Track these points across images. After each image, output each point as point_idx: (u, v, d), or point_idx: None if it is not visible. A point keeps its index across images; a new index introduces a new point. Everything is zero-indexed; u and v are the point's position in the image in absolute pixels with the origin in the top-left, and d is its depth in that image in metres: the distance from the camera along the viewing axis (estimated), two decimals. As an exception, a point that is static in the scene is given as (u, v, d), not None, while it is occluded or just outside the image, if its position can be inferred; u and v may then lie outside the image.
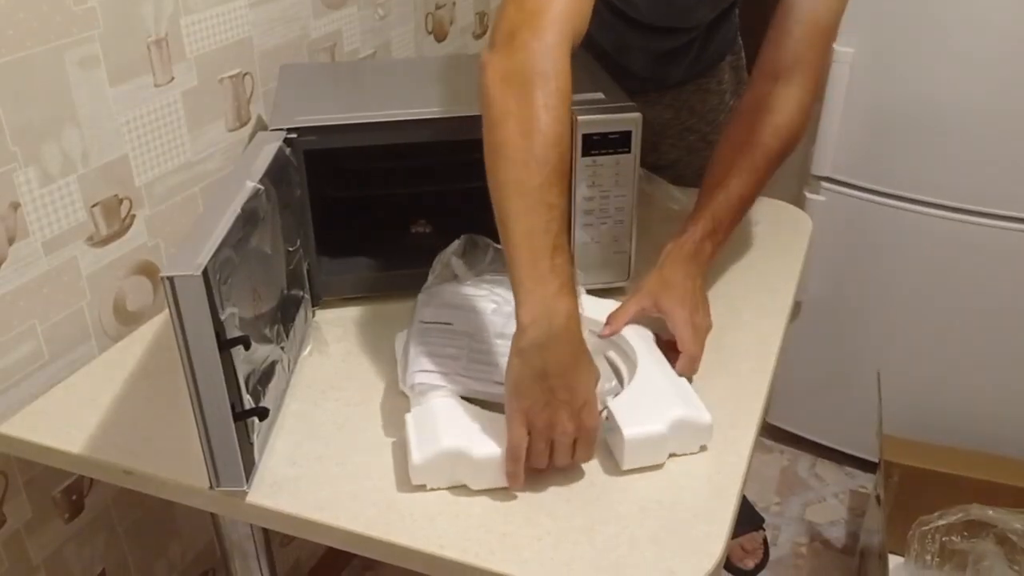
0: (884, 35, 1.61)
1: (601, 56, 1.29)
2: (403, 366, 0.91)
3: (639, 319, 0.98)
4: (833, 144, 1.72)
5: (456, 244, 1.04)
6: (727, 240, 1.04)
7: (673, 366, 0.92)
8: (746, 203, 1.05)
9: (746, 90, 1.08)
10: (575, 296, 0.78)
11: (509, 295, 0.98)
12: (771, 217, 1.31)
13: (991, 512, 1.47)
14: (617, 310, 0.99)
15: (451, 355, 0.90)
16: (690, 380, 0.92)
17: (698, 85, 1.35)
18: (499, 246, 1.00)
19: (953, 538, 1.49)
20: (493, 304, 0.99)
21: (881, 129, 1.67)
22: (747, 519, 1.78)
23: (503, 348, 0.90)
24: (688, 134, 1.38)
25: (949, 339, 1.75)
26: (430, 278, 1.03)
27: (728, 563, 1.75)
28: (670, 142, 1.40)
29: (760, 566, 1.76)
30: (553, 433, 0.77)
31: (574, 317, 0.77)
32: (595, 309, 1.01)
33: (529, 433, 0.77)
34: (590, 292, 1.06)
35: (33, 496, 1.04)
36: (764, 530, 1.79)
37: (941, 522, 1.49)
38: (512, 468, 0.78)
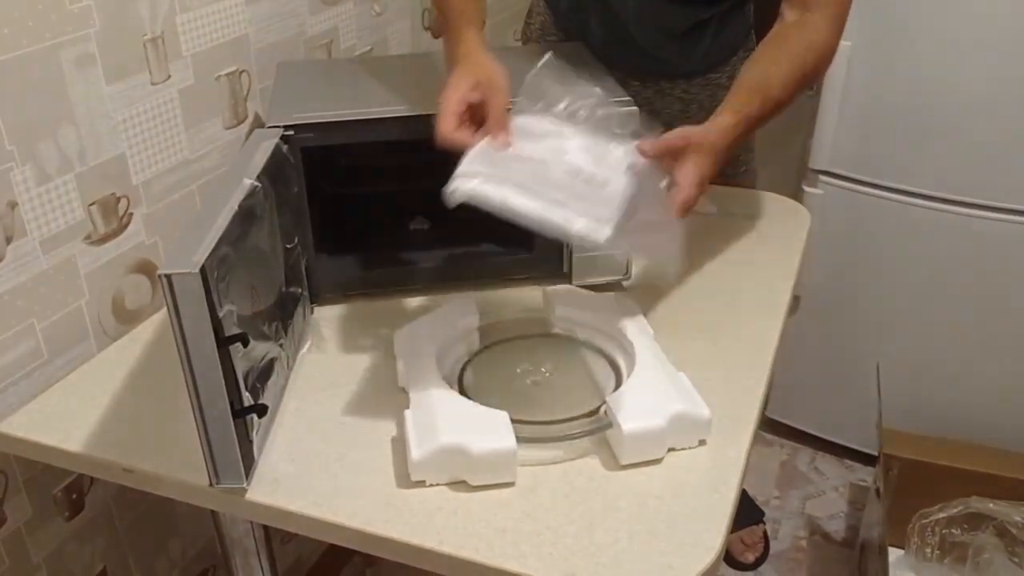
0: (881, 28, 1.60)
1: (616, 29, 1.28)
2: (470, 165, 0.83)
3: (664, 150, 0.92)
4: (831, 138, 1.72)
5: (545, 59, 0.93)
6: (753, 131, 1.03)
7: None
8: (779, 107, 1.03)
9: (776, 22, 1.09)
10: (471, 46, 0.97)
11: (583, 139, 0.91)
12: (769, 211, 1.31)
13: (991, 504, 1.47)
14: (651, 144, 0.92)
15: (511, 172, 0.83)
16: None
17: (708, 79, 1.35)
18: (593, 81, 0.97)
19: (953, 531, 1.50)
20: (573, 149, 0.89)
21: (879, 122, 1.67)
22: (747, 513, 1.78)
23: (564, 181, 0.85)
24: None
25: (948, 332, 1.76)
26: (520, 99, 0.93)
27: (728, 557, 1.75)
28: None
29: (760, 560, 1.76)
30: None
31: (462, 55, 0.96)
32: (587, 304, 1.01)
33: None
34: (587, 288, 1.06)
35: (33, 495, 1.04)
36: (764, 524, 1.80)
37: (941, 515, 1.49)
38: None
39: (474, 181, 0.80)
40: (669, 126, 1.37)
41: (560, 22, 1.38)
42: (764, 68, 1.04)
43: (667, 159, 0.94)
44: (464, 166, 0.82)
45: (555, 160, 0.87)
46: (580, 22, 1.34)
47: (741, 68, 1.07)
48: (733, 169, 1.41)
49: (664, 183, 0.91)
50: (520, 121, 0.92)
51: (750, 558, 1.76)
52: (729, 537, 1.64)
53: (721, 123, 0.98)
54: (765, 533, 1.80)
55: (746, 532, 1.77)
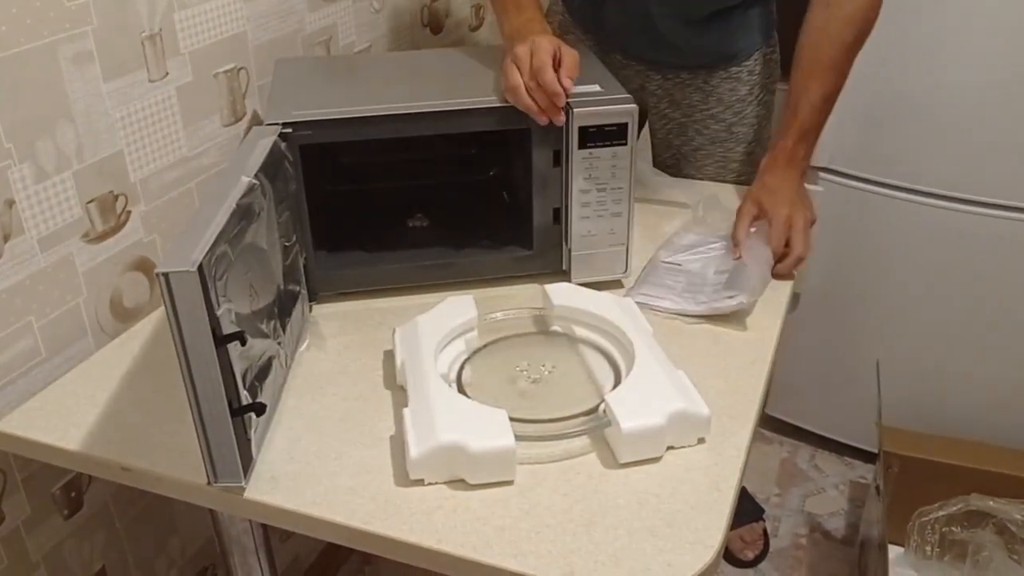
0: (881, 24, 1.60)
1: (634, 15, 1.28)
2: (635, 286, 1.11)
3: (752, 225, 1.15)
4: (831, 134, 1.70)
5: (703, 200, 1.22)
6: (819, 138, 1.19)
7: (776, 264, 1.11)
8: (830, 101, 1.18)
9: (810, 2, 1.18)
10: (540, 22, 1.13)
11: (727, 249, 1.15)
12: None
13: (991, 502, 1.47)
14: (735, 224, 1.16)
15: (668, 285, 1.10)
16: (792, 278, 1.12)
17: (728, 72, 1.35)
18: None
19: (953, 528, 1.49)
20: (717, 256, 1.14)
21: (879, 119, 1.66)
22: (747, 510, 1.78)
23: (713, 280, 1.10)
24: (712, 122, 1.39)
25: (948, 329, 1.75)
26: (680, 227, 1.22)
27: (728, 554, 1.75)
28: (696, 127, 1.40)
29: (760, 557, 1.76)
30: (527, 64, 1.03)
31: (536, 29, 1.09)
32: (586, 301, 1.01)
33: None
34: (586, 286, 1.06)
35: (32, 493, 1.04)
36: (764, 521, 1.80)
37: (941, 513, 1.49)
38: (514, 98, 1.03)
39: (641, 295, 1.09)
40: (689, 116, 1.39)
41: (576, 16, 1.38)
42: (802, 71, 1.17)
43: (754, 224, 1.15)
44: (637, 287, 1.11)
45: (705, 267, 1.13)
46: (595, 12, 1.34)
47: (793, 66, 1.18)
48: (731, 177, 1.42)
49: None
50: (686, 240, 1.18)
51: (749, 555, 1.76)
52: (729, 535, 1.66)
53: (774, 158, 1.17)
54: (765, 531, 1.80)
55: (746, 529, 1.77)
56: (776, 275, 1.11)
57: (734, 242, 1.14)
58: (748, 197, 1.18)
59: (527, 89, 1.01)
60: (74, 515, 1.10)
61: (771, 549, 1.78)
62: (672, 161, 1.45)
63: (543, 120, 1.03)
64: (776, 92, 1.41)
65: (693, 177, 1.43)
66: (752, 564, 1.76)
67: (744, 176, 1.42)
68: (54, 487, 1.07)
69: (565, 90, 1.02)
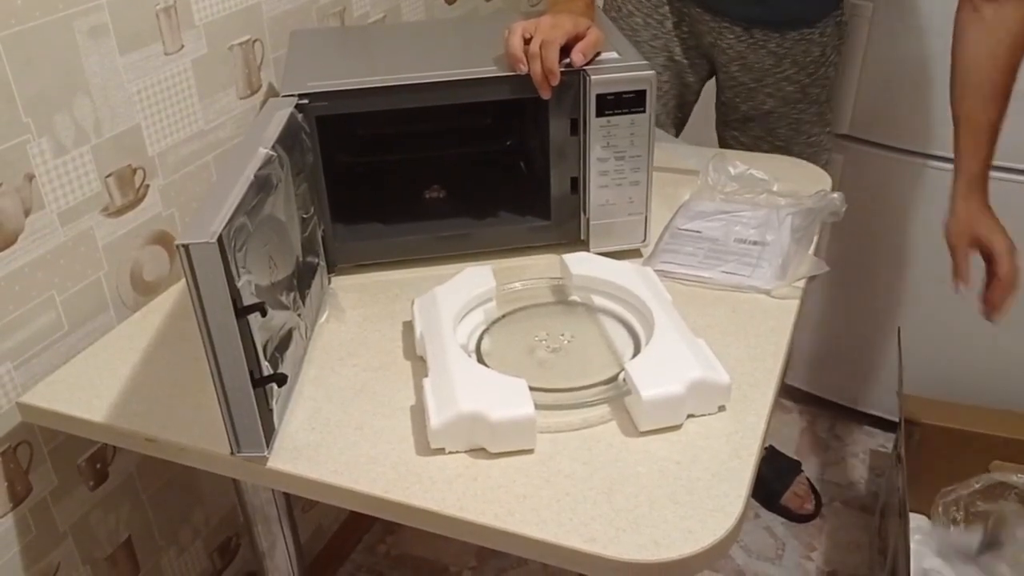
0: (904, -12, 1.57)
1: None
2: (654, 254, 1.12)
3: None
4: (852, 101, 1.69)
5: (711, 163, 1.23)
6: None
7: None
8: (1000, 128, 1.22)
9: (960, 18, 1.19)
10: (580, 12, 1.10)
11: (752, 212, 1.18)
12: (791, 176, 1.30)
13: (1014, 476, 1.46)
14: (954, 261, 1.24)
15: (690, 252, 1.10)
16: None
17: (801, 35, 1.36)
18: (746, 169, 1.24)
19: (977, 502, 1.49)
20: (738, 226, 1.16)
21: (900, 85, 1.64)
22: (786, 468, 1.80)
23: (736, 248, 1.11)
24: (786, 84, 1.41)
25: (970, 297, 1.73)
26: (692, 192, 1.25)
27: (789, 513, 1.77)
28: (768, 91, 1.42)
29: (819, 505, 1.78)
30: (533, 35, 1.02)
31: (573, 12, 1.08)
32: (605, 270, 1.01)
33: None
34: (604, 255, 1.06)
35: (58, 465, 1.05)
36: (803, 471, 1.81)
37: (964, 491, 1.49)
38: (516, 63, 1.02)
39: (661, 262, 1.09)
40: (760, 81, 1.41)
41: None
42: (978, 95, 1.20)
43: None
44: (656, 255, 1.11)
45: (726, 235, 1.14)
46: None
47: (954, 88, 1.21)
48: (802, 139, 1.45)
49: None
50: (702, 207, 1.21)
51: (809, 508, 1.78)
52: (785, 497, 1.65)
53: (968, 184, 1.21)
54: (808, 479, 1.81)
55: (795, 486, 1.79)
56: (991, 304, 1.23)
57: (960, 277, 1.23)
58: (953, 229, 1.23)
59: (528, 55, 1.01)
60: (100, 486, 1.12)
61: (791, 518, 1.79)
62: (738, 124, 1.46)
63: (544, 94, 1.02)
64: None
65: (763, 139, 1.46)
66: (815, 515, 1.77)
67: (814, 136, 1.45)
68: (80, 459, 1.08)
69: (573, 63, 1.02)
